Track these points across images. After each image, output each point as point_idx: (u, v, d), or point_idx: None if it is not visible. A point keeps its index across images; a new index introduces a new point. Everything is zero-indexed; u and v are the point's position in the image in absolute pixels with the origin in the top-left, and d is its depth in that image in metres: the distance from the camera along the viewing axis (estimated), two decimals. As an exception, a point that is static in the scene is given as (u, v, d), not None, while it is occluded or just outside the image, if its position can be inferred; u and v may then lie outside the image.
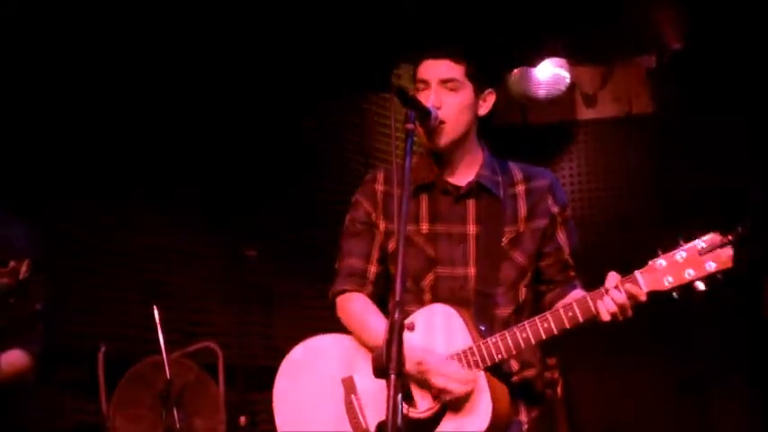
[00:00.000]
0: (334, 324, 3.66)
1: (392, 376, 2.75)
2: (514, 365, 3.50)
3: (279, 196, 6.35)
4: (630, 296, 3.21)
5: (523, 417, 3.53)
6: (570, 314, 3.27)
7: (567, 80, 6.99)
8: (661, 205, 6.90)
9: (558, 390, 4.53)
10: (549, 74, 6.94)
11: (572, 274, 3.58)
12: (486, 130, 3.68)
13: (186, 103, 5.96)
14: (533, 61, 6.93)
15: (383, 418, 3.31)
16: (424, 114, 3.38)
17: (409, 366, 3.19)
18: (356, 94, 6.83)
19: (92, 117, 5.63)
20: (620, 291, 3.21)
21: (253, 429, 5.50)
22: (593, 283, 3.34)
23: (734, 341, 6.51)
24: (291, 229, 6.41)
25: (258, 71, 6.25)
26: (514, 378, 3.49)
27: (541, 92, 6.95)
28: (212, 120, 6.09)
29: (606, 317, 3.22)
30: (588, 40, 6.89)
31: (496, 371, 3.39)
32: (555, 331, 3.29)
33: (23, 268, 3.46)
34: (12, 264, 3.49)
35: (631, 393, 6.69)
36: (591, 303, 3.25)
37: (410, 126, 3.22)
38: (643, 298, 3.21)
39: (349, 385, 3.51)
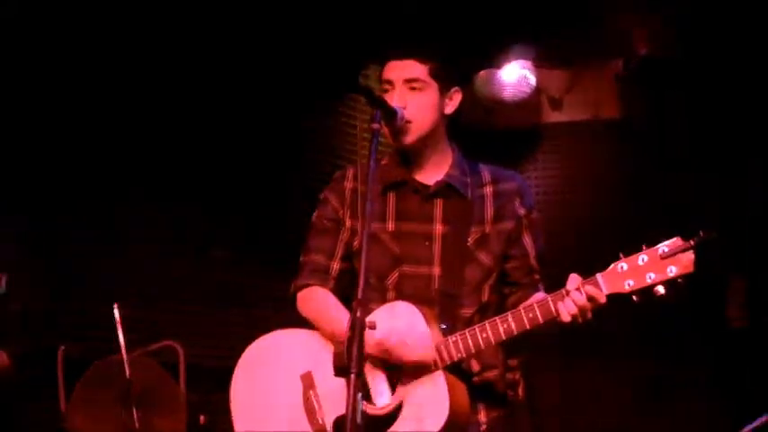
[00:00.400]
0: (301, 325, 3.65)
1: (352, 375, 2.75)
2: (475, 366, 3.51)
3: (247, 197, 6.34)
4: (590, 298, 3.21)
5: (482, 417, 3.53)
6: (531, 315, 3.28)
7: (533, 83, 7.00)
8: (625, 209, 6.92)
9: (520, 391, 4.49)
10: (515, 76, 6.95)
11: (536, 277, 3.59)
12: (452, 131, 3.69)
13: (154, 100, 5.94)
14: (499, 63, 6.94)
15: (341, 414, 3.31)
16: (389, 114, 3.40)
17: (370, 349, 3.19)
18: (326, 96, 6.82)
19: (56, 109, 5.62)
20: (580, 292, 3.21)
21: (213, 429, 5.47)
22: (557, 284, 3.34)
23: (697, 342, 6.54)
24: (258, 230, 6.40)
25: (226, 72, 6.24)
26: (475, 379, 3.49)
27: (507, 94, 6.96)
28: (177, 120, 6.07)
29: (566, 318, 3.22)
30: (555, 44, 6.91)
31: (456, 370, 3.39)
32: (515, 331, 3.29)
33: (1, 283, 3.50)
34: None
35: (594, 396, 6.71)
36: (551, 305, 3.25)
37: (376, 126, 3.25)
38: (603, 300, 3.21)
39: (308, 381, 3.51)
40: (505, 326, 3.30)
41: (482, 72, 6.98)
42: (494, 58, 6.96)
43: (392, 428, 3.33)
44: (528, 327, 3.29)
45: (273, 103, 6.46)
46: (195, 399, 5.42)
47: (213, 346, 5.91)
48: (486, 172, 3.66)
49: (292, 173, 6.60)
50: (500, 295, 3.59)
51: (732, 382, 6.32)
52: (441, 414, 3.28)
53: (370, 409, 3.36)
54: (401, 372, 3.39)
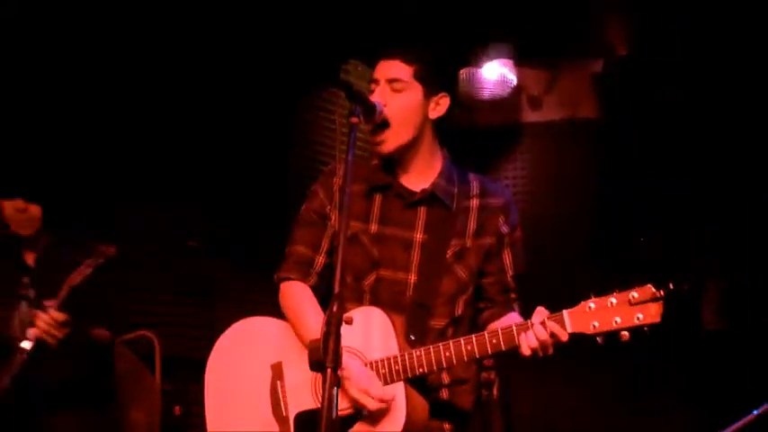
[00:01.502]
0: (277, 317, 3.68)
1: (328, 370, 2.75)
2: (445, 378, 3.52)
3: (224, 188, 6.34)
4: (553, 335, 3.21)
5: (446, 425, 3.53)
6: (494, 341, 3.27)
7: (513, 82, 7.03)
8: (599, 210, 6.94)
9: (495, 390, 4.54)
10: (495, 75, 6.97)
11: (512, 296, 3.59)
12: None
13: (132, 93, 5.95)
14: (479, 62, 6.96)
15: (303, 408, 3.38)
16: (368, 109, 3.39)
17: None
18: (305, 90, 6.83)
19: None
20: (544, 327, 3.21)
21: (187, 419, 5.48)
22: (528, 283, 3.35)
23: (672, 347, 6.57)
24: (235, 221, 6.40)
25: (207, 67, 6.24)
26: (443, 391, 3.51)
27: (486, 93, 6.98)
28: (156, 111, 6.07)
29: (526, 351, 3.23)
30: (535, 43, 6.93)
31: (420, 383, 3.39)
32: (476, 354, 3.30)
33: (111, 249, 4.07)
34: (101, 247, 4.08)
35: (569, 396, 6.73)
36: (515, 334, 3.25)
37: (354, 120, 3.24)
38: (564, 339, 3.21)
39: (277, 371, 3.52)
40: (468, 348, 3.29)
41: (462, 70, 7.00)
42: (474, 57, 6.98)
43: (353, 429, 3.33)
44: (489, 352, 3.29)
45: (257, 96, 6.47)
46: (170, 389, 5.44)
47: (189, 337, 5.92)
48: (475, 183, 3.64)
49: (275, 166, 6.61)
50: (474, 310, 3.58)
51: (709, 384, 6.35)
52: (396, 426, 3.29)
53: None
54: None
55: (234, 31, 6.17)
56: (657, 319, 3.12)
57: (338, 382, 2.78)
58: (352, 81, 3.69)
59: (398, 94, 3.49)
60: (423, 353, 3.32)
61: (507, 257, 3.58)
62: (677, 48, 6.47)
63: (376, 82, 3.53)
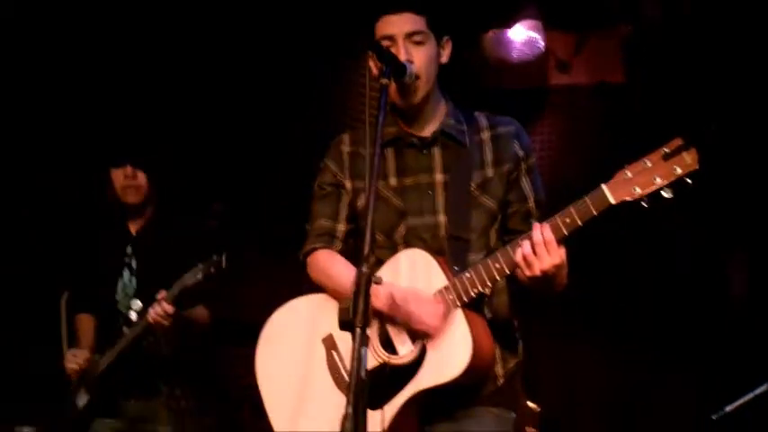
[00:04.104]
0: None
1: (357, 329, 2.77)
2: (488, 314, 3.51)
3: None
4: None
5: (499, 369, 3.54)
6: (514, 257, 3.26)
7: (541, 45, 6.98)
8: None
9: (519, 350, 4.49)
10: (523, 37, 6.93)
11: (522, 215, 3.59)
12: (462, 88, 3.69)
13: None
14: (508, 23, 6.92)
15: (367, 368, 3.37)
16: (399, 70, 3.37)
17: (381, 304, 3.27)
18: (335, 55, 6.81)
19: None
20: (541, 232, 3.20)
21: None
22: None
23: (694, 315, 6.55)
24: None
25: (228, 39, 6.26)
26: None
27: (515, 54, 6.94)
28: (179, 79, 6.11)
29: (518, 257, 3.21)
30: (564, 6, 6.88)
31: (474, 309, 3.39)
32: (506, 270, 3.29)
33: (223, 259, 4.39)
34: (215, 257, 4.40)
35: (590, 364, 6.73)
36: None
37: (385, 81, 3.23)
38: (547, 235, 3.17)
39: (330, 343, 3.52)
40: (497, 265, 3.30)
41: (490, 32, 6.96)
42: (502, 19, 6.93)
43: (419, 375, 3.33)
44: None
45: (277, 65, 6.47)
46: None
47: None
48: (481, 118, 3.66)
49: (292, 132, 6.63)
50: (502, 242, 3.56)
51: (732, 350, 6.33)
52: (465, 350, 3.28)
53: (395, 360, 3.38)
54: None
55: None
56: (695, 166, 3.07)
57: (367, 341, 2.79)
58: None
59: (421, 47, 3.49)
60: (472, 273, 3.31)
61: (526, 184, 3.59)
62: (706, 12, 6.41)
63: (391, 39, 3.48)
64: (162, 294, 4.54)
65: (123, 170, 4.89)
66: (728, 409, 4.68)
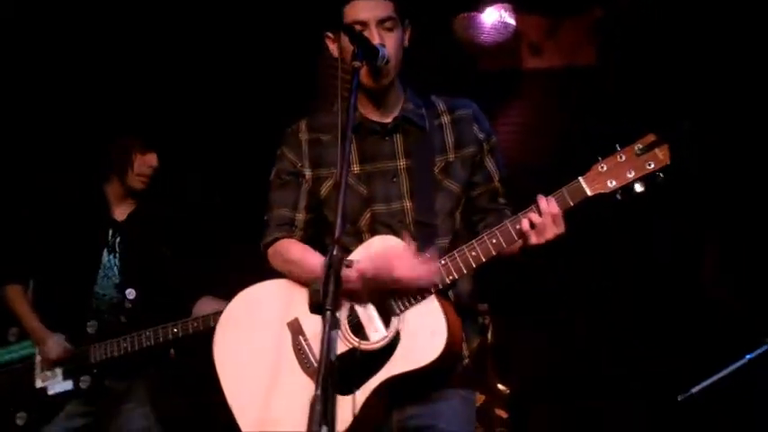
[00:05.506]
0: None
1: (327, 312, 2.76)
2: (451, 296, 3.53)
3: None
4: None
5: (465, 350, 3.55)
6: (517, 227, 3.33)
7: (513, 27, 6.97)
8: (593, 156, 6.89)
9: (489, 335, 4.55)
10: (494, 19, 6.92)
11: (502, 201, 3.63)
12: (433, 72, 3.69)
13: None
14: (479, 6, 6.91)
15: (336, 353, 3.32)
16: (371, 53, 3.38)
17: (354, 285, 3.27)
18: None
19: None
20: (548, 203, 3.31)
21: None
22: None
23: (670, 300, 6.58)
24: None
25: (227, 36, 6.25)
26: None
27: (486, 38, 6.94)
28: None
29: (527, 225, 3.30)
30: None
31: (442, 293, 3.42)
32: (504, 245, 3.34)
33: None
34: None
35: (561, 348, 6.76)
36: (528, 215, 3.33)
37: (358, 64, 3.25)
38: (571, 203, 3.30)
39: (295, 327, 3.51)
40: (494, 241, 3.34)
41: (461, 15, 6.95)
42: (473, 2, 6.93)
43: (392, 360, 3.34)
44: (516, 237, 3.33)
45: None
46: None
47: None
48: (439, 102, 3.69)
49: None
50: (469, 224, 3.62)
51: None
52: (440, 336, 3.31)
53: (365, 345, 3.38)
54: (393, 302, 3.39)
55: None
56: (667, 161, 3.25)
57: (338, 323, 2.80)
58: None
59: (391, 33, 3.51)
60: (448, 261, 3.36)
61: (490, 164, 3.64)
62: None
63: (363, 24, 3.49)
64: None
65: (150, 157, 4.85)
66: (694, 390, 4.71)
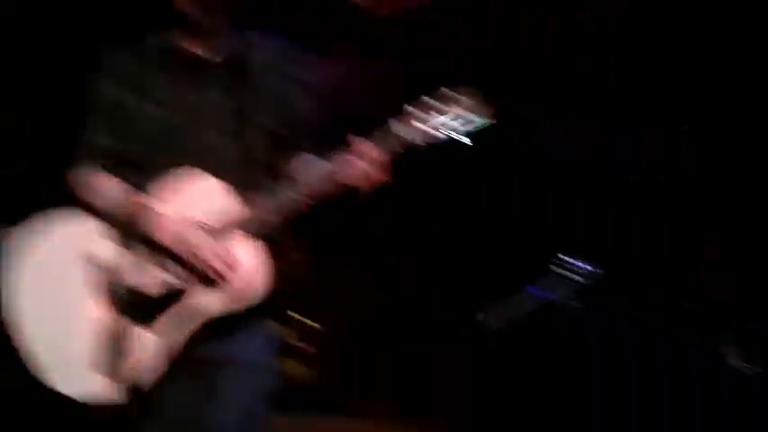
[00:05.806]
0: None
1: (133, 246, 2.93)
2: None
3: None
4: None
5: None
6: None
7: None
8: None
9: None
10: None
11: (312, 139, 3.43)
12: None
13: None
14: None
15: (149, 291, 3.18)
16: None
17: (168, 240, 3.18)
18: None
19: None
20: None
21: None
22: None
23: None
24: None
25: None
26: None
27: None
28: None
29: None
30: None
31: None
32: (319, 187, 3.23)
33: None
34: None
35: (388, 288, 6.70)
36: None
37: None
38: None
39: (93, 261, 3.29)
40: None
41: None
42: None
43: (209, 301, 3.20)
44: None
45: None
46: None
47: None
48: (255, 36, 3.45)
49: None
50: (282, 161, 3.40)
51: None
52: (260, 278, 3.20)
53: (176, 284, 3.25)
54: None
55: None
56: (475, 111, 3.24)
57: (144, 262, 2.93)
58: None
59: None
60: (271, 202, 3.24)
61: (302, 102, 3.46)
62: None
63: None
64: None
65: None
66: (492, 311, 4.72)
